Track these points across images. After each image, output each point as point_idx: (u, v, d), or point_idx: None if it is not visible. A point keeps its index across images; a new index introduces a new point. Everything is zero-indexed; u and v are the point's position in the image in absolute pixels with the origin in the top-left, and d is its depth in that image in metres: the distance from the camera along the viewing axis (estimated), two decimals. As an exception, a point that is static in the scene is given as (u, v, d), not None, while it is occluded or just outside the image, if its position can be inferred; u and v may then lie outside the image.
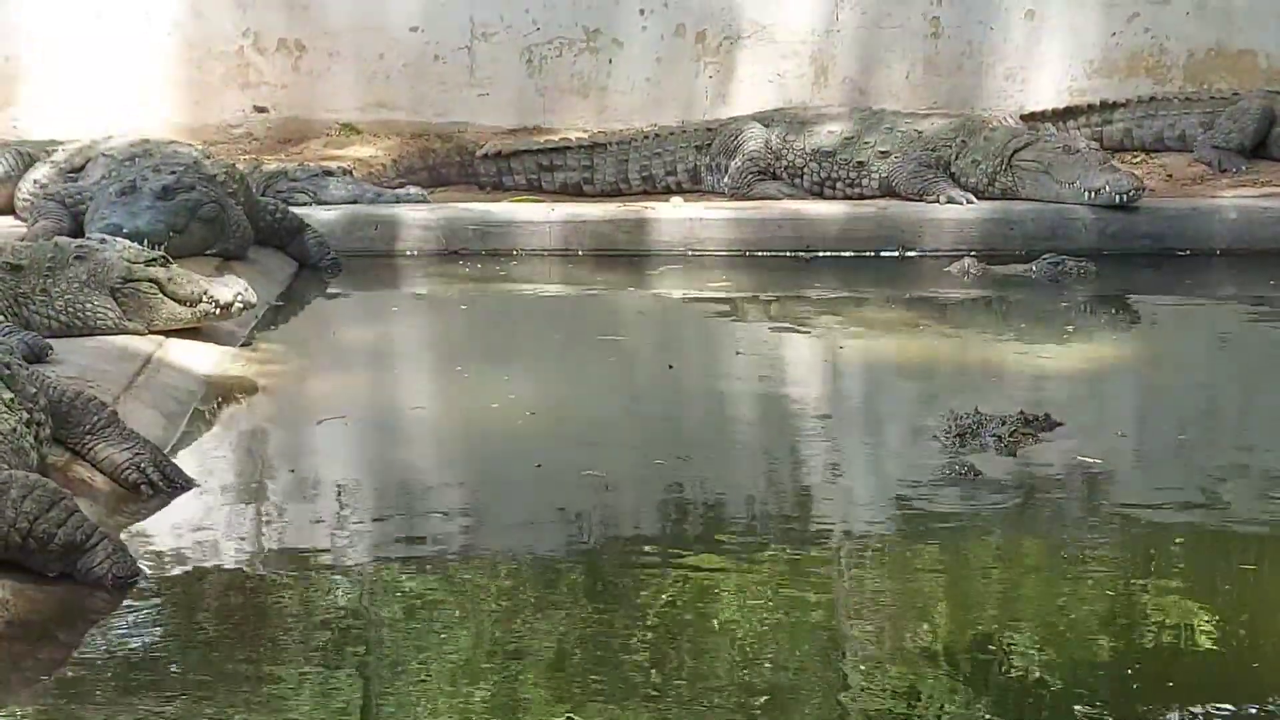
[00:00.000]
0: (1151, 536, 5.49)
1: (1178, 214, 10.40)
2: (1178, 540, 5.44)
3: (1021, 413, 6.32)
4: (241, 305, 7.71)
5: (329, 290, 9.61)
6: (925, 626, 4.75)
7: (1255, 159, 11.73)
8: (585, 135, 11.93)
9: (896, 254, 10.36)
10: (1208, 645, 4.66)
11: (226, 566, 5.23)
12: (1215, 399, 7.40)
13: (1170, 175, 11.56)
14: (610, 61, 12.88)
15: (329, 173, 10.92)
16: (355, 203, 10.59)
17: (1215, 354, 8.35)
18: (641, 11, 12.82)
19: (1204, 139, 11.87)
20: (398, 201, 10.68)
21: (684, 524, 5.73)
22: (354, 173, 11.16)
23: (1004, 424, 6.22)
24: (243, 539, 5.50)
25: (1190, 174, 11.62)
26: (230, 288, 7.70)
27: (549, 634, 4.66)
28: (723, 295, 9.52)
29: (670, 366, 7.69)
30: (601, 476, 6.00)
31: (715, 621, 4.78)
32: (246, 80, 12.84)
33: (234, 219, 9.17)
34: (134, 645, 4.63)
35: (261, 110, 12.83)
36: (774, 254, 10.35)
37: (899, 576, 5.18)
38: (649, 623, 4.78)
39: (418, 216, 10.43)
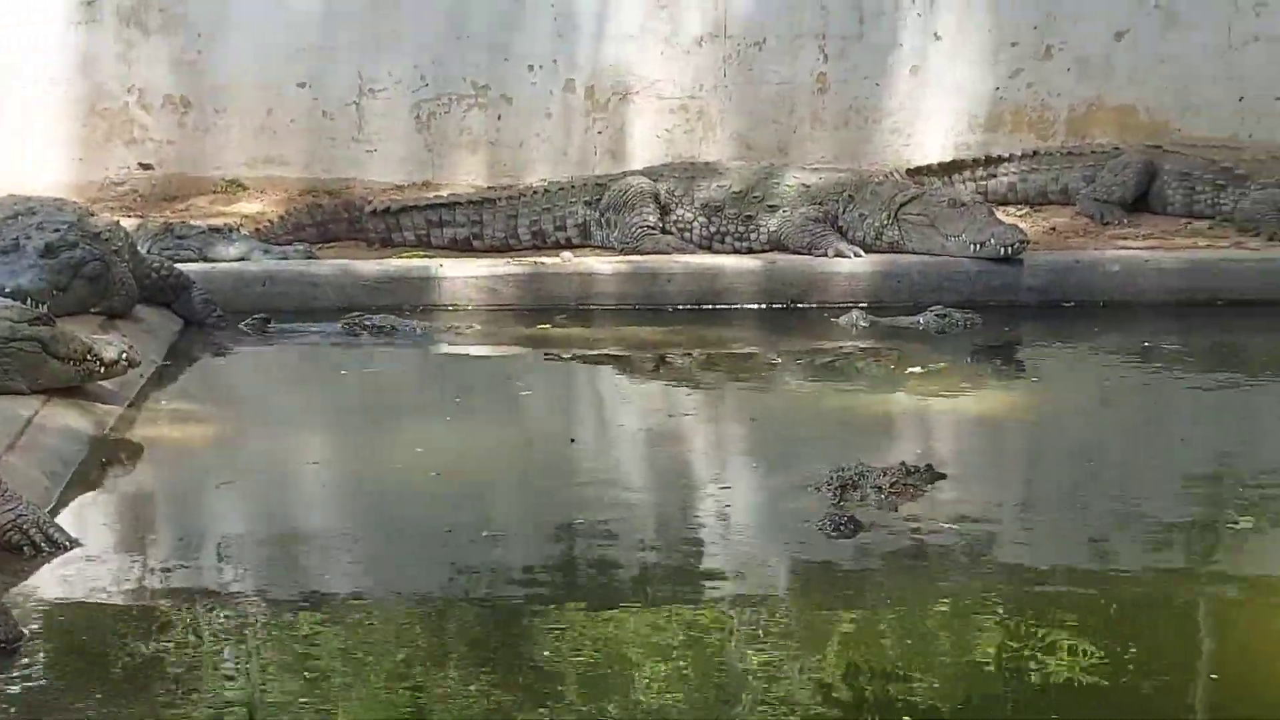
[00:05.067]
0: (1034, 586, 5.53)
1: (1061, 266, 10.52)
2: (1061, 590, 5.49)
3: (903, 464, 6.36)
4: (126, 363, 7.64)
5: (216, 348, 9.53)
6: (805, 678, 4.76)
7: (1136, 212, 11.90)
8: (475, 191, 11.91)
9: (785, 307, 10.41)
10: (1092, 692, 4.70)
11: (109, 627, 5.16)
12: (1099, 450, 7.48)
13: (1054, 228, 11.71)
14: (499, 117, 12.90)
15: (216, 230, 10.85)
16: (243, 260, 10.54)
17: (1099, 405, 8.45)
18: (530, 67, 12.86)
19: (1086, 192, 12.04)
20: (285, 259, 10.62)
21: (576, 577, 5.73)
22: (242, 229, 11.10)
23: (885, 475, 6.26)
24: (126, 599, 5.43)
25: (1074, 227, 11.77)
26: (115, 346, 7.62)
27: (442, 687, 4.63)
28: (614, 350, 9.53)
29: (572, 441, 7.67)
30: (499, 534, 6.01)
31: (605, 671, 4.78)
32: (132, 137, 12.73)
33: (118, 276, 9.09)
34: (13, 710, 4.55)
35: (147, 167, 12.73)
36: (664, 308, 10.37)
37: (779, 627, 5.19)
38: (543, 676, 4.76)
39: (310, 272, 10.40)
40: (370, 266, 10.62)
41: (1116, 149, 12.22)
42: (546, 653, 4.98)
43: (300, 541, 6.20)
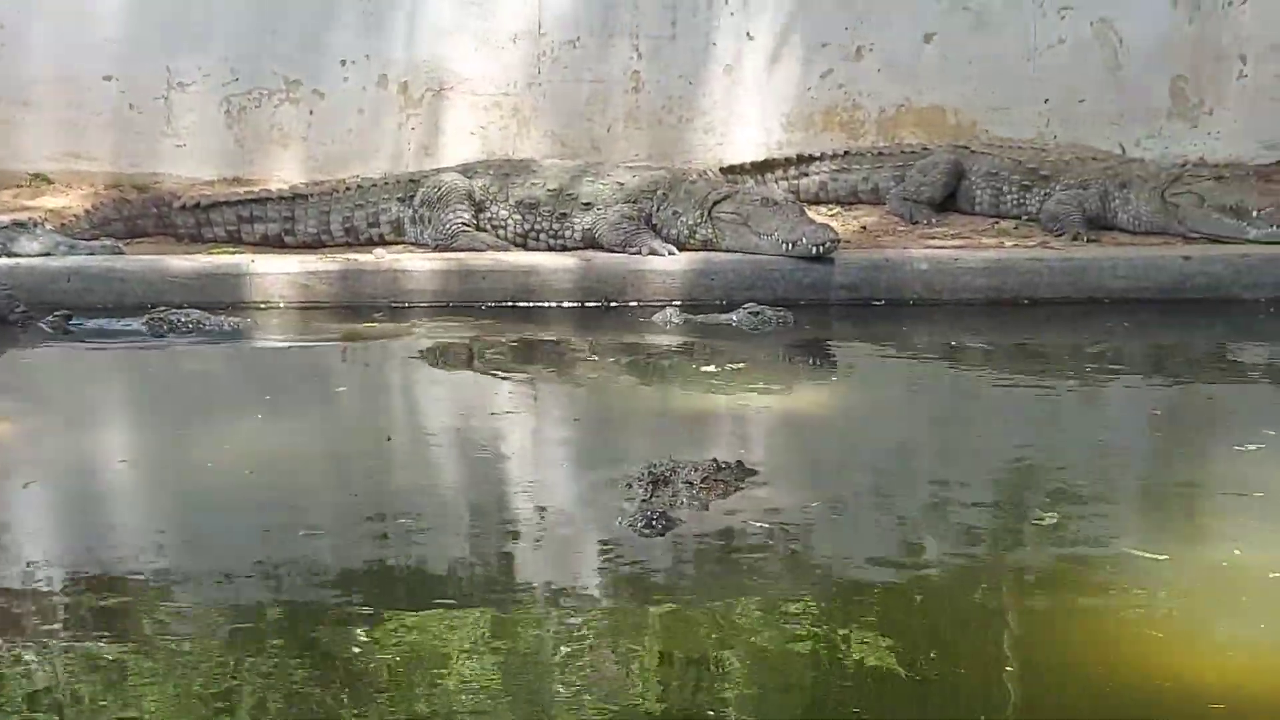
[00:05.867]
0: (843, 580, 5.60)
1: (871, 265, 10.66)
2: (869, 583, 5.56)
3: (714, 460, 6.41)
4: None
5: (17, 345, 9.33)
6: (616, 674, 4.77)
7: (945, 211, 12.09)
8: (286, 187, 11.79)
9: (600, 305, 10.42)
10: (897, 684, 4.76)
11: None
12: (907, 446, 7.59)
13: (865, 227, 11.85)
14: (311, 112, 12.78)
15: (19, 224, 10.63)
16: (47, 255, 10.34)
17: (908, 401, 8.57)
18: (343, 62, 12.75)
19: (896, 192, 12.20)
20: (92, 254, 10.44)
21: (390, 577, 5.70)
22: (46, 224, 10.87)
23: (696, 471, 6.29)
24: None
25: (884, 226, 11.92)
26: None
27: (250, 690, 4.58)
28: (430, 348, 9.48)
29: (389, 439, 7.62)
30: (313, 534, 5.96)
31: (416, 671, 4.75)
32: (-68, 129, 12.44)
33: (-83, 272, 8.87)
34: None
35: (-53, 160, 12.44)
36: (479, 306, 10.34)
37: (590, 624, 5.20)
38: (353, 677, 4.73)
39: (118, 268, 10.22)
40: (180, 263, 10.47)
41: (925, 149, 12.40)
42: (358, 652, 4.95)
43: (108, 543, 6.09)
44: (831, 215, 12.02)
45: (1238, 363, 9.53)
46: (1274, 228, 10.98)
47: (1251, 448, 7.12)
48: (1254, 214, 11.04)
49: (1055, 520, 6.27)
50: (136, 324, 9.49)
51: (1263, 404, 8.34)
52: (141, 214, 11.41)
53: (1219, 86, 13.24)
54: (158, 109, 12.67)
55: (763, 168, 12.53)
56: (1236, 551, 5.89)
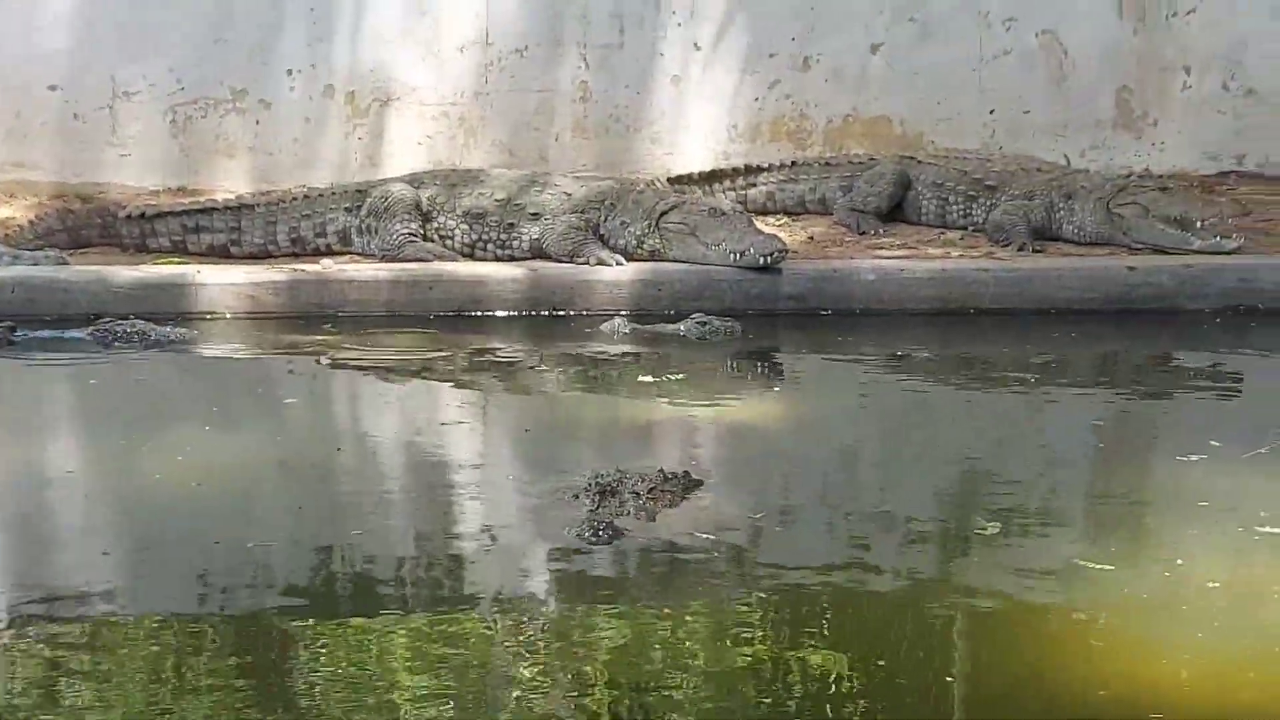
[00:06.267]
0: (790, 590, 5.61)
1: (818, 275, 10.68)
2: (815, 593, 5.57)
3: (661, 470, 6.42)
4: None
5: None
6: (563, 685, 4.77)
7: (892, 221, 12.12)
8: (233, 197, 11.74)
9: (548, 314, 10.42)
10: (847, 694, 4.78)
11: None
12: (853, 456, 7.61)
13: (812, 237, 11.88)
14: (258, 122, 12.74)
15: (-39, 235, 10.56)
16: (-10, 265, 10.28)
17: (855, 411, 8.59)
18: (289, 72, 12.72)
19: (843, 202, 12.24)
20: (36, 265, 10.37)
21: (337, 588, 5.68)
22: (-11, 234, 10.80)
23: (643, 481, 6.30)
24: None
25: (831, 236, 11.95)
26: None
27: (195, 705, 4.57)
28: (378, 359, 9.45)
29: (339, 449, 7.60)
30: (263, 545, 5.95)
31: (364, 683, 4.75)
32: (-127, 138, 12.35)
33: None
34: None
35: (-111, 170, 12.35)
36: (426, 316, 10.32)
37: (536, 634, 5.20)
38: (302, 689, 4.71)
39: (62, 278, 10.17)
40: (126, 273, 10.41)
41: (872, 159, 12.44)
42: (306, 665, 4.93)
43: (54, 555, 6.06)
44: (779, 225, 12.04)
45: (1182, 373, 9.59)
46: (1218, 238, 11.05)
47: (1194, 458, 7.17)
48: (1198, 225, 11.11)
49: (998, 529, 6.29)
50: (81, 335, 9.43)
51: (1207, 414, 8.39)
52: (86, 224, 11.33)
53: (1163, 98, 13.34)
54: (102, 118, 12.61)
55: (710, 178, 12.54)
56: (1179, 561, 5.93)
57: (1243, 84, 13.35)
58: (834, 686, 4.87)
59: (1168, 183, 11.87)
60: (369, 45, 12.75)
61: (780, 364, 9.79)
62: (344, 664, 4.96)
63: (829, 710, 4.73)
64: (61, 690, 4.74)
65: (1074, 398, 8.81)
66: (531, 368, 9.40)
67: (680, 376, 8.99)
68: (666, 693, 4.77)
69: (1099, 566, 5.83)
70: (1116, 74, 13.27)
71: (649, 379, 8.87)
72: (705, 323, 9.85)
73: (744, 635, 5.23)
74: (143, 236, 11.27)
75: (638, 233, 10.85)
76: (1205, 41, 13.27)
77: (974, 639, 5.35)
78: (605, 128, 13.03)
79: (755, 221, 11.12)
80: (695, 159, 12.95)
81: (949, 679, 5.00)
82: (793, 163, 12.60)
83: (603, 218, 10.97)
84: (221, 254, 11.22)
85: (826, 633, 5.27)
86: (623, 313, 10.24)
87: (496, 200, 11.11)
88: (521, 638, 5.22)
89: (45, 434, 7.97)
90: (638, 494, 6.22)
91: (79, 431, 8.12)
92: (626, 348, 9.63)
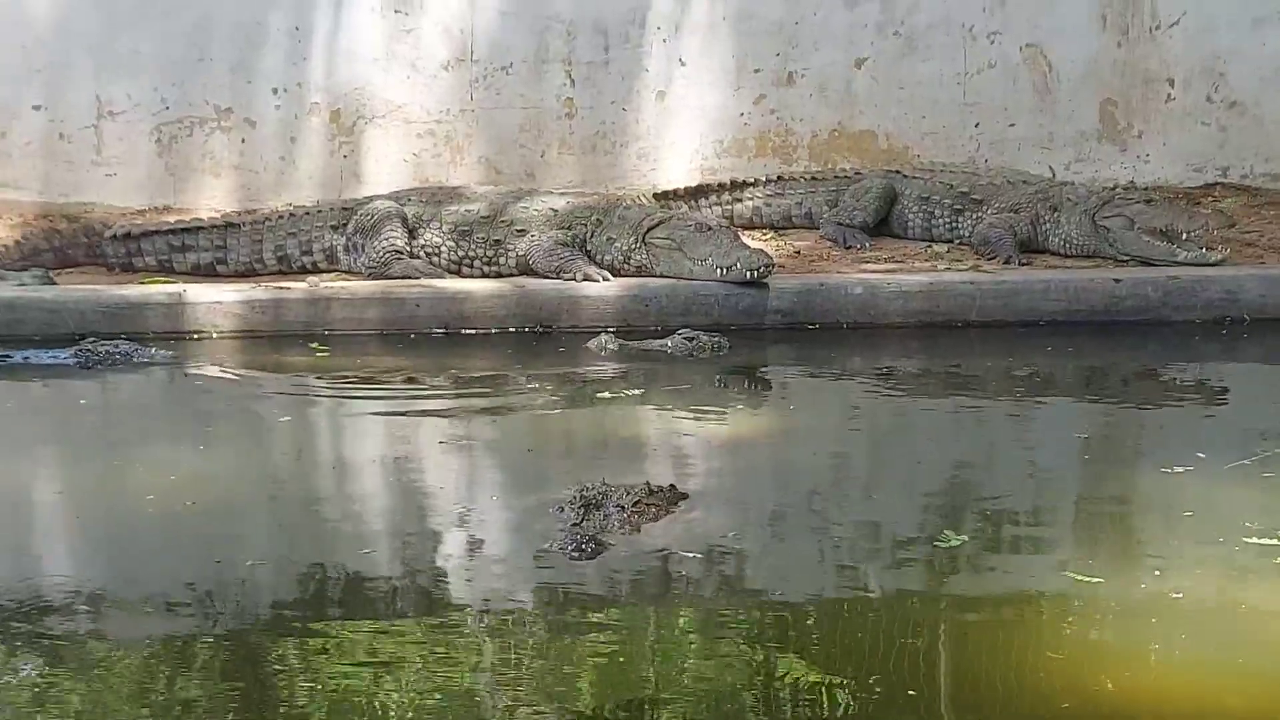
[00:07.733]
0: (775, 604, 5.61)
1: (806, 289, 10.69)
2: (803, 607, 5.57)
3: (646, 484, 6.42)
4: None
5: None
6: (547, 699, 4.77)
7: (878, 235, 12.15)
8: (219, 215, 11.74)
9: (535, 331, 10.42)
10: (831, 706, 4.78)
11: None
12: (839, 471, 7.61)
13: (799, 252, 11.89)
14: (243, 141, 12.74)
15: (-54, 255, 10.56)
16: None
17: (842, 425, 8.59)
18: (274, 91, 12.72)
19: (829, 217, 12.26)
20: (22, 285, 10.36)
21: (327, 605, 5.69)
22: (-26, 254, 10.79)
23: (628, 495, 6.30)
24: None
25: (818, 250, 11.96)
26: None
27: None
28: (365, 376, 9.44)
29: (332, 467, 7.61)
30: (253, 562, 5.95)
31: (352, 697, 4.75)
32: None
33: None
34: None
35: (-127, 190, 12.34)
36: (412, 333, 10.32)
37: (522, 648, 5.20)
38: (293, 707, 4.71)
39: (48, 298, 10.16)
40: (112, 292, 10.40)
41: (858, 174, 12.47)
42: (297, 680, 4.93)
43: (49, 576, 6.05)
44: (766, 240, 12.05)
45: (1167, 385, 9.60)
46: (1203, 250, 11.09)
47: (1179, 469, 7.18)
48: (1184, 237, 11.15)
49: (985, 542, 6.29)
50: (65, 356, 9.42)
51: (1192, 426, 8.40)
52: (72, 243, 11.33)
53: (1147, 110, 13.37)
54: (88, 138, 12.61)
55: (697, 193, 12.56)
56: (1157, 573, 5.93)
57: (1226, 96, 13.38)
58: (815, 699, 4.86)
59: (1153, 195, 11.93)
60: (353, 63, 12.76)
61: (768, 378, 9.79)
62: (328, 677, 4.96)
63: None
64: (56, 706, 4.74)
65: (1060, 409, 8.82)
66: (518, 384, 9.40)
67: (667, 391, 8.99)
68: (648, 705, 4.77)
69: (1082, 578, 5.83)
70: (1101, 87, 13.30)
71: (640, 394, 8.87)
72: (693, 338, 9.85)
73: (727, 649, 5.23)
74: (129, 256, 11.27)
75: (624, 248, 10.85)
76: (1189, 54, 13.30)
77: (955, 650, 5.34)
78: (591, 144, 13.04)
79: (742, 236, 11.13)
80: (681, 174, 12.97)
81: (930, 689, 5.00)
82: (779, 178, 12.62)
83: (589, 233, 10.97)
84: (208, 273, 11.23)
85: (809, 645, 5.27)
86: (610, 329, 10.25)
87: (482, 217, 11.12)
88: (503, 651, 5.21)
89: (35, 454, 7.95)
90: (622, 507, 6.21)
91: (69, 452, 8.09)
92: (613, 364, 9.63)
